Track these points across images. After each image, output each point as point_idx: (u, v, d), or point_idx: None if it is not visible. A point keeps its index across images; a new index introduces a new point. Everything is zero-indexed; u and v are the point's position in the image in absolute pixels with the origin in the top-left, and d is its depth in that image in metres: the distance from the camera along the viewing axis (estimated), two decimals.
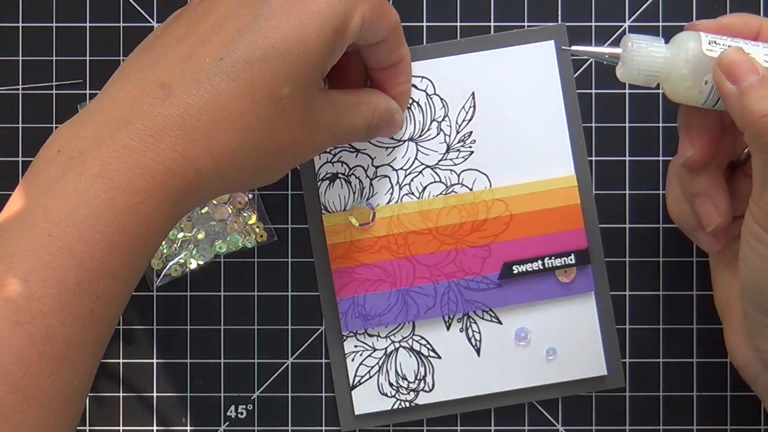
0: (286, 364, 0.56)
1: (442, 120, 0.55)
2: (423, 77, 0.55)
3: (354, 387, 0.55)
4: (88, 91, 0.56)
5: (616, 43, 0.55)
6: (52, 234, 0.41)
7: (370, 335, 0.55)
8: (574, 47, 0.48)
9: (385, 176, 0.55)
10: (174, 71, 0.44)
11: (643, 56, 0.46)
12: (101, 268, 0.42)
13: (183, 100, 0.43)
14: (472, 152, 0.55)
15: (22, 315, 0.40)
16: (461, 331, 0.55)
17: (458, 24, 0.56)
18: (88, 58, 0.56)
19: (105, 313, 0.43)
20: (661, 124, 0.56)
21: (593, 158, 0.56)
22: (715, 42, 0.46)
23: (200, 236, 0.55)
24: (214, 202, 0.55)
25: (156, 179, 0.42)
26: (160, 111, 0.43)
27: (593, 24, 0.56)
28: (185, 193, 0.44)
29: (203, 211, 0.55)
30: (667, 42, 0.47)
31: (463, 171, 0.55)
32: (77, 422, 0.44)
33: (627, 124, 0.56)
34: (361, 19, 0.46)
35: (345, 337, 0.55)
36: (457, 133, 0.55)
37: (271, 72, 0.44)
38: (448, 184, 0.55)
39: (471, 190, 0.55)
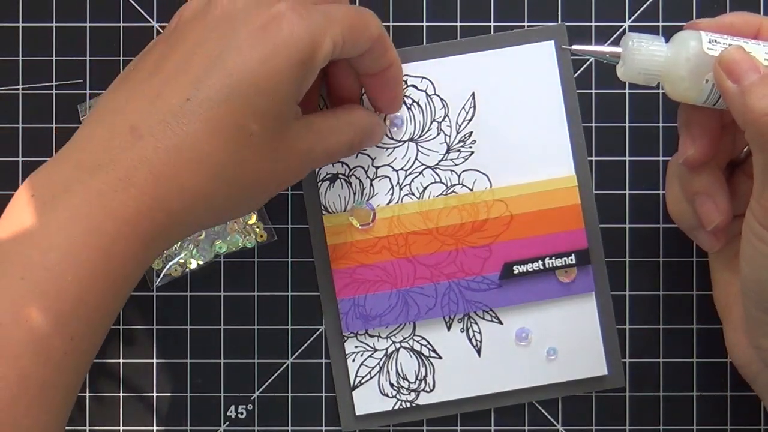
0: (286, 364, 0.56)
1: (443, 120, 0.55)
2: (423, 77, 0.55)
3: (355, 387, 0.55)
4: (88, 91, 0.56)
5: (616, 42, 0.55)
6: (24, 278, 0.42)
7: (371, 336, 0.55)
8: (574, 46, 0.48)
9: (386, 177, 0.55)
10: (143, 113, 0.44)
11: (644, 55, 0.46)
12: (74, 311, 0.42)
13: (152, 143, 0.43)
14: (472, 152, 0.55)
15: None
16: (462, 332, 0.55)
17: (458, 24, 0.56)
18: (88, 58, 0.56)
19: (80, 354, 0.43)
20: (661, 124, 0.56)
21: (593, 158, 0.56)
22: (715, 41, 0.46)
23: (200, 236, 0.55)
24: None
25: (128, 222, 0.43)
26: (130, 155, 0.43)
27: (593, 24, 0.56)
28: (157, 235, 0.44)
29: None
30: (667, 41, 0.47)
31: (463, 171, 0.55)
32: None
33: (627, 124, 0.56)
34: (331, 45, 0.46)
35: (346, 338, 0.55)
36: (458, 133, 0.55)
37: (237, 110, 0.44)
38: (449, 185, 0.55)
39: (471, 190, 0.55)
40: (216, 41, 0.44)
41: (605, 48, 0.47)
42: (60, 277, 0.42)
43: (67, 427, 0.55)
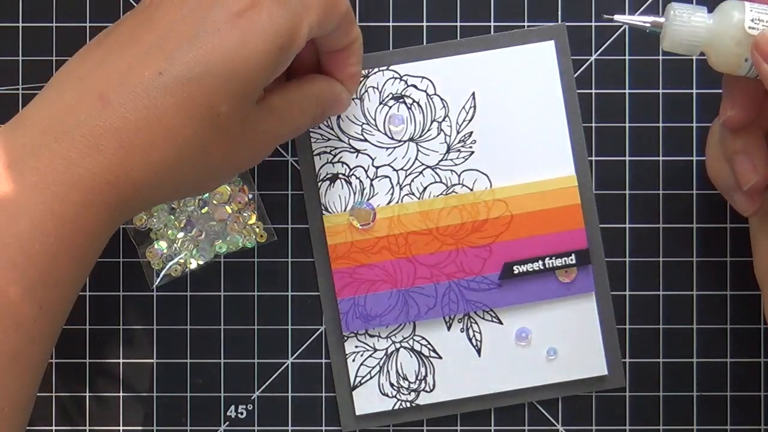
0: (286, 364, 0.56)
1: (443, 120, 0.55)
2: (423, 77, 0.55)
3: (355, 387, 0.55)
4: None
5: (616, 43, 0.55)
6: None
7: (371, 336, 0.55)
8: (616, 16, 0.47)
9: (386, 177, 0.55)
10: (113, 82, 0.44)
11: (686, 26, 0.46)
12: (43, 278, 0.42)
13: (121, 113, 0.43)
14: (472, 152, 0.55)
15: None
16: (462, 332, 0.55)
17: (458, 24, 0.56)
18: None
19: (49, 322, 0.43)
20: (661, 124, 0.56)
21: (593, 158, 0.56)
22: (758, 19, 0.45)
23: (200, 236, 0.55)
24: (214, 201, 0.55)
25: (94, 191, 0.43)
26: (98, 123, 0.43)
27: (593, 24, 0.56)
28: (122, 204, 0.44)
29: (203, 211, 0.55)
30: (710, 11, 0.46)
31: (463, 171, 0.55)
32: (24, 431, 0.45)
33: (627, 124, 0.56)
34: (308, 30, 0.46)
35: (346, 338, 0.55)
36: (458, 133, 0.55)
37: (209, 89, 0.44)
38: (449, 185, 0.55)
39: (471, 190, 0.55)
40: (194, 21, 0.44)
41: (647, 18, 0.47)
42: (28, 245, 0.42)
43: (67, 427, 0.55)
